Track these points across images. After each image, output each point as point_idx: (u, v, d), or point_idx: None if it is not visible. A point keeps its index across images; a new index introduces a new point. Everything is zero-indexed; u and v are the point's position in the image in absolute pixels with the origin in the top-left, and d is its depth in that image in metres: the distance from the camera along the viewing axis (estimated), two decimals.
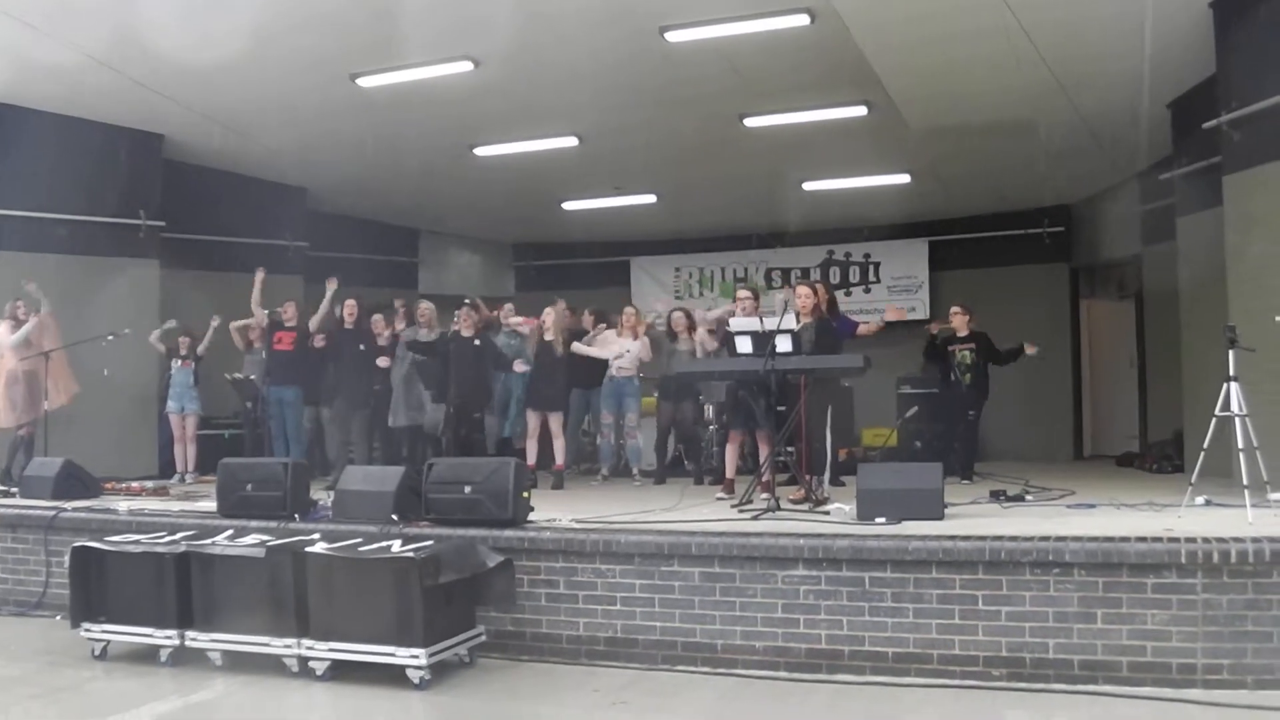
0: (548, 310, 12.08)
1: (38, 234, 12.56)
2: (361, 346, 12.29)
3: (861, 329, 10.20)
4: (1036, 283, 16.52)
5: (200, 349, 12.86)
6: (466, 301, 11.92)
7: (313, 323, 12.51)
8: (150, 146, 13.45)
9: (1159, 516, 7.51)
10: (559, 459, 11.76)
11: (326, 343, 12.44)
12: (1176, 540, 6.33)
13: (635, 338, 12.03)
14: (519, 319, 12.61)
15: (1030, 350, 11.68)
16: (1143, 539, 6.40)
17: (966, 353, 11.69)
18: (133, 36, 10.50)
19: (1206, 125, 9.96)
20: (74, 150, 12.77)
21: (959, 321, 11.93)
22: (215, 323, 12.90)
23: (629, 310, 12.37)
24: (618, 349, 12.02)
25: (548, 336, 11.81)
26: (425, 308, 12.87)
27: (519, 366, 11.93)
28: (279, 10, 10.19)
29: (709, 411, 12.77)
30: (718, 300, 17.07)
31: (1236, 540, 6.24)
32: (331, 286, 12.47)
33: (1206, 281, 10.64)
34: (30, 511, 9.50)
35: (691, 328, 11.98)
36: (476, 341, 11.58)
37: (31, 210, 12.55)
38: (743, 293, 10.45)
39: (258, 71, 11.42)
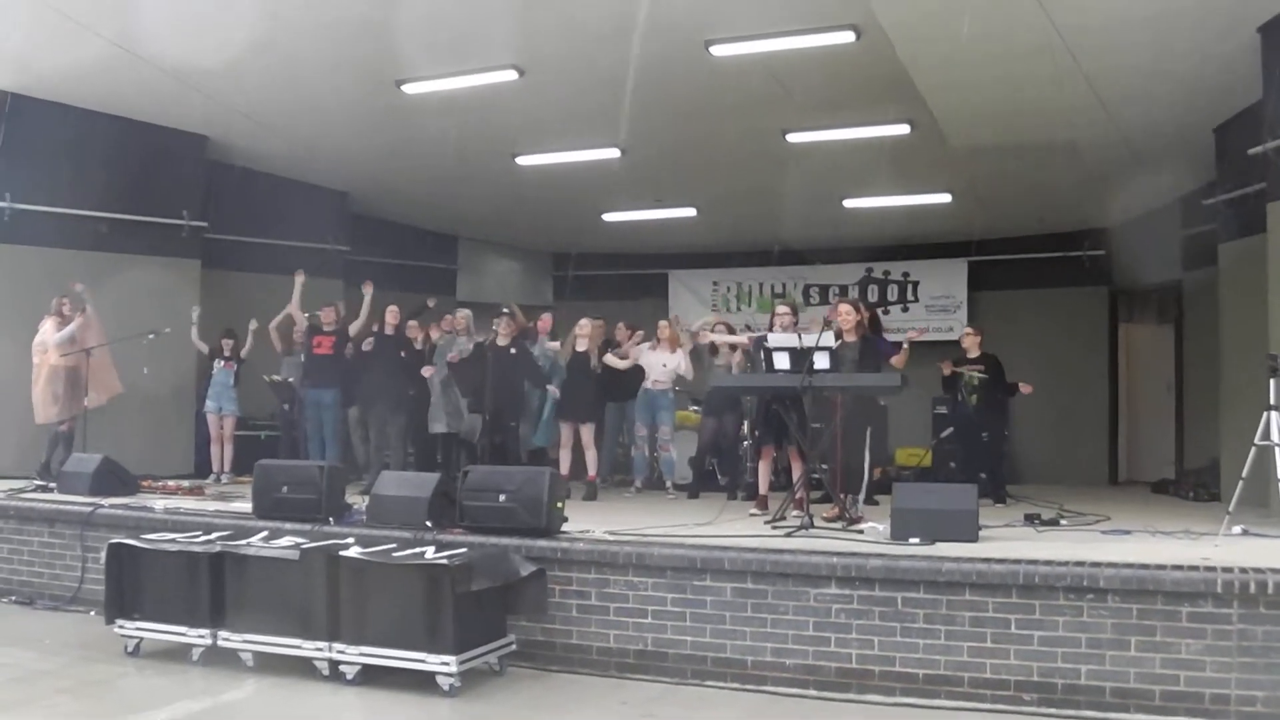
0: (583, 321, 12.07)
1: (81, 231, 12.67)
2: (402, 354, 12.34)
3: (895, 360, 10.19)
4: (1075, 305, 16.44)
5: (243, 353, 12.96)
6: (505, 310, 11.94)
7: (353, 328, 12.56)
8: (194, 147, 13.53)
9: (1195, 545, 7.43)
10: (591, 470, 11.75)
11: (371, 349, 12.43)
12: (1213, 569, 6.27)
13: (672, 350, 12.04)
14: (554, 344, 12.50)
15: (1025, 390, 11.78)
16: (1179, 567, 6.34)
17: (974, 374, 11.64)
18: (176, 34, 10.57)
19: (1252, 151, 9.88)
20: (117, 149, 12.85)
21: (970, 343, 11.92)
22: (254, 326, 13.00)
23: (663, 323, 12.37)
24: (653, 360, 12.04)
25: (580, 348, 11.79)
26: (462, 315, 12.93)
27: (553, 390, 12.01)
28: (325, 16, 10.25)
29: (746, 426, 12.74)
30: (754, 316, 17.09)
31: (1274, 571, 6.17)
32: (367, 291, 12.54)
33: (1247, 309, 10.55)
34: (68, 507, 9.59)
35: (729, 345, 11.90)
36: (513, 350, 11.61)
37: (75, 208, 12.66)
38: (781, 308, 10.36)
39: (302, 75, 11.53)
